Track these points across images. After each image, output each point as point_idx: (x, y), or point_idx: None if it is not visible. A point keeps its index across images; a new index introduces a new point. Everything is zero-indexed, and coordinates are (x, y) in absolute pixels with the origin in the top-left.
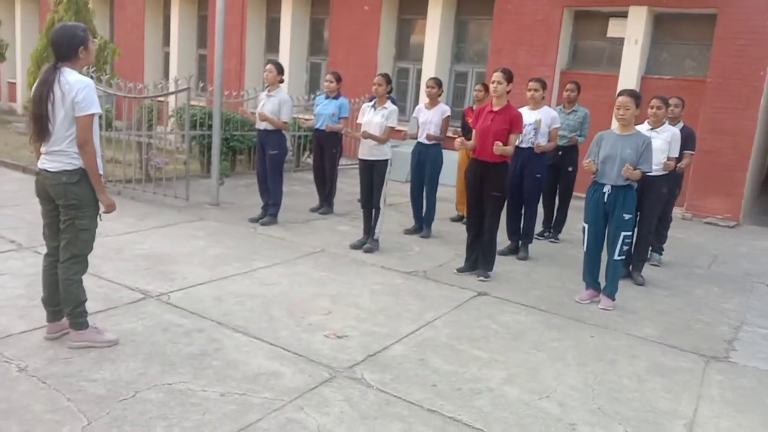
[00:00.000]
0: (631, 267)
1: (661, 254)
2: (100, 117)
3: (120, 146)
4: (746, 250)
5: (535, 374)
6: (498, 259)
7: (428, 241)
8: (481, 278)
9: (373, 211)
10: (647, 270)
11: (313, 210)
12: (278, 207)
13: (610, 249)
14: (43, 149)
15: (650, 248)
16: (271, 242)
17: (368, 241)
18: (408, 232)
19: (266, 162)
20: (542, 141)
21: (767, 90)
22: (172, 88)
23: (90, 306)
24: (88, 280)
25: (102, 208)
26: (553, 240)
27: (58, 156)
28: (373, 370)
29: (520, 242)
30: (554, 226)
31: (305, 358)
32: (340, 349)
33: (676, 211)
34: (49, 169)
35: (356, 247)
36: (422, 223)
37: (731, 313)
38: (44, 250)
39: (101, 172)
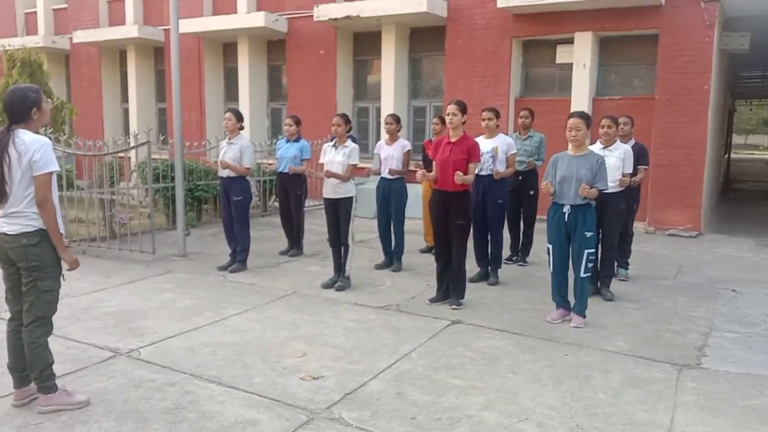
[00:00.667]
0: (599, 284)
1: (627, 269)
2: (60, 177)
3: (83, 205)
4: (709, 258)
5: (512, 397)
6: (469, 286)
7: (399, 274)
8: (454, 307)
9: (342, 248)
10: (615, 285)
11: (282, 253)
12: (246, 253)
13: (575, 267)
14: (0, 212)
15: (616, 264)
16: (241, 289)
17: (339, 279)
18: (379, 267)
19: (231, 209)
20: (501, 168)
21: (713, 102)
22: (132, 143)
23: (58, 368)
24: (55, 342)
25: (66, 267)
26: (521, 263)
27: (17, 218)
28: (351, 409)
29: (489, 268)
30: (521, 250)
31: (281, 402)
32: (316, 391)
33: (639, 226)
34: (8, 232)
35: (328, 286)
36: (392, 257)
37: (700, 320)
38: (7, 315)
39: (62, 230)
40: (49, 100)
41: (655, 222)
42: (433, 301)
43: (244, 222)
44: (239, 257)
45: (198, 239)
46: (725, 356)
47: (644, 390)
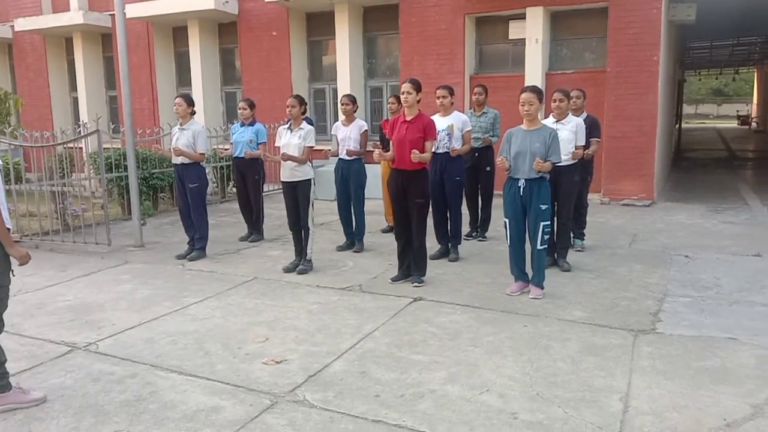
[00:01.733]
0: (555, 255)
1: (583, 239)
2: (8, 170)
3: (33, 199)
4: (662, 226)
5: (474, 370)
6: (430, 263)
7: (361, 255)
8: (416, 284)
9: (303, 231)
10: (572, 256)
11: (242, 239)
12: (205, 240)
13: (532, 240)
14: None
15: (572, 235)
16: (201, 277)
17: (301, 263)
18: (341, 248)
19: (187, 196)
20: (457, 145)
21: (663, 73)
22: (82, 133)
23: (13, 366)
24: (8, 340)
25: (15, 262)
26: (481, 239)
27: None
28: (315, 390)
29: (449, 244)
30: (480, 225)
31: (245, 388)
32: (279, 374)
33: (594, 197)
34: None
35: (289, 270)
36: (354, 238)
37: (654, 286)
38: None
39: (8, 225)
40: None
41: (609, 193)
42: (395, 279)
43: (201, 209)
44: (198, 245)
45: (155, 228)
46: (679, 320)
47: (602, 357)
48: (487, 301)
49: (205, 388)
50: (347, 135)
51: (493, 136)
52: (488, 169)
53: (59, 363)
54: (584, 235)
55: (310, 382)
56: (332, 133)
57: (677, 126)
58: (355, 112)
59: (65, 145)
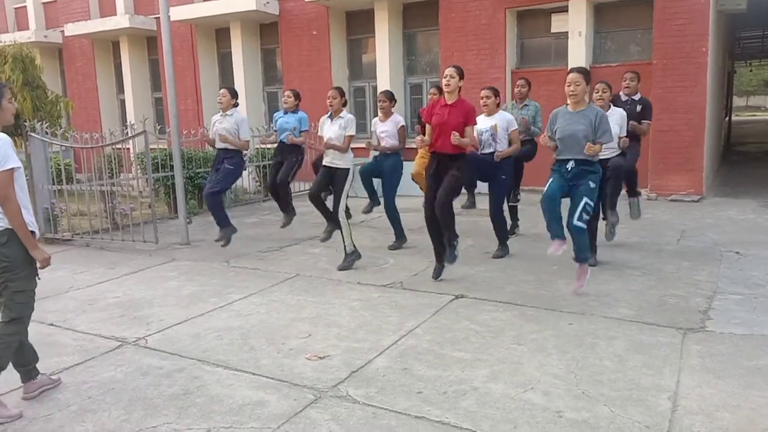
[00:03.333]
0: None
1: (636, 200)
2: (60, 171)
3: (83, 198)
4: (712, 221)
5: (518, 368)
6: (471, 259)
7: (402, 252)
8: (449, 260)
9: (334, 224)
10: (617, 252)
11: (283, 225)
12: (220, 220)
13: (570, 214)
14: None
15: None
16: (245, 273)
17: (344, 259)
18: (366, 211)
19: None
20: (501, 147)
21: (712, 65)
22: (129, 134)
23: (66, 360)
24: (61, 335)
25: (38, 264)
26: (513, 203)
27: None
28: (358, 386)
29: (499, 244)
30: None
31: (288, 383)
32: (323, 370)
33: (642, 192)
34: None
35: (325, 239)
36: (376, 200)
37: (703, 284)
38: None
39: (33, 229)
40: (13, 99)
41: (656, 188)
42: (437, 276)
43: (225, 187)
44: (223, 224)
45: (200, 226)
46: (730, 318)
47: (649, 355)
48: (530, 299)
49: (251, 382)
50: (384, 130)
51: (534, 129)
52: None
53: (110, 357)
54: (640, 193)
55: (352, 378)
56: (372, 129)
57: (727, 119)
58: (392, 108)
59: (113, 146)
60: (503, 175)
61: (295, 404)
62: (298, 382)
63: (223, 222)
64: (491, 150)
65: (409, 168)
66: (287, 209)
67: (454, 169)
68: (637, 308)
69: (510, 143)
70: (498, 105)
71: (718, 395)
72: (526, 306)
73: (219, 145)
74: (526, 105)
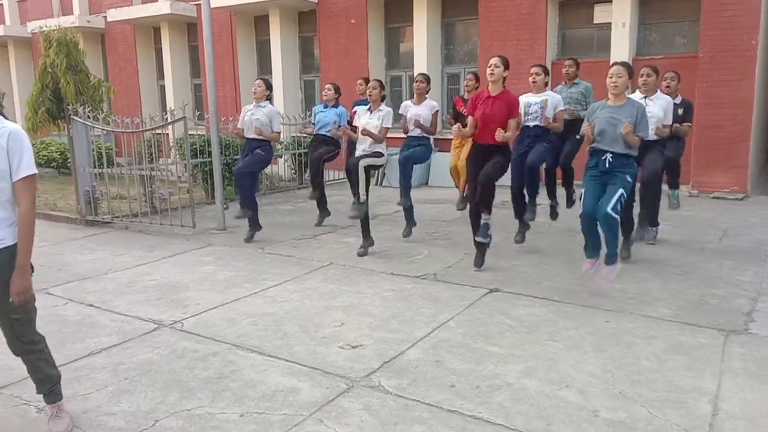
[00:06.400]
0: (637, 223)
1: (677, 191)
2: (101, 155)
3: (123, 182)
4: (757, 220)
5: (552, 365)
6: (506, 253)
7: (436, 243)
8: (480, 238)
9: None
10: (657, 250)
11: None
12: (248, 211)
13: (603, 202)
14: None
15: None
16: (280, 260)
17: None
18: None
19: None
20: (549, 116)
21: (761, 59)
22: (168, 119)
23: (104, 341)
24: (101, 316)
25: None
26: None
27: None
28: (390, 377)
29: (525, 214)
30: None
31: (321, 371)
32: (355, 359)
33: (682, 189)
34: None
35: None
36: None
37: (747, 284)
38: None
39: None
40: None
41: (698, 185)
42: (478, 265)
43: (255, 175)
44: (250, 220)
45: (237, 213)
46: None
47: (689, 356)
48: (566, 295)
49: (284, 369)
50: (417, 113)
51: (584, 110)
52: (578, 137)
53: (147, 339)
54: (678, 185)
55: (384, 368)
56: (401, 111)
57: None
58: (427, 92)
59: (153, 131)
60: (546, 143)
61: (328, 392)
62: (331, 370)
63: (247, 202)
64: (538, 123)
65: (438, 159)
66: (323, 207)
67: (498, 156)
68: (677, 308)
69: (555, 121)
70: (546, 84)
71: (762, 400)
72: (562, 302)
73: (249, 134)
74: (575, 83)
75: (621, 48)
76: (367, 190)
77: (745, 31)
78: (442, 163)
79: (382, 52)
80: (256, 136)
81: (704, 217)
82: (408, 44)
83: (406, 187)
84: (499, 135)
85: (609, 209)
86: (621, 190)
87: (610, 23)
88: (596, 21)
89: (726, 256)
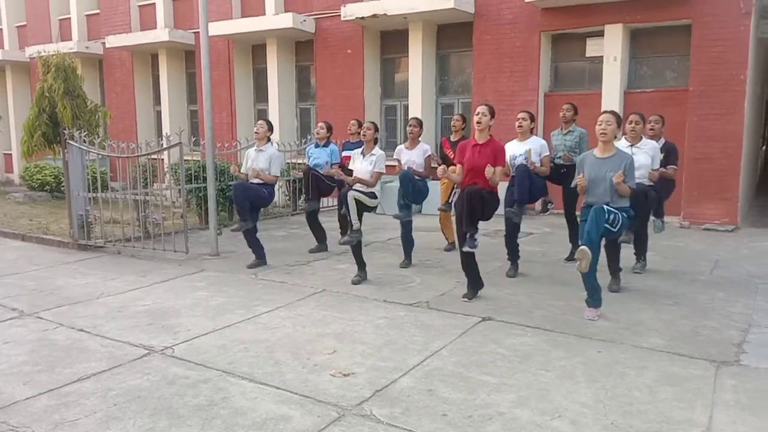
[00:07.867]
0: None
1: (660, 219)
2: (95, 179)
3: (117, 206)
4: (747, 252)
5: (545, 395)
6: (499, 281)
7: (429, 271)
8: (469, 247)
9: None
10: (648, 279)
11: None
12: (254, 249)
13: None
14: None
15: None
16: (273, 287)
17: (357, 273)
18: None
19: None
20: (536, 162)
21: (750, 93)
22: (164, 145)
23: (94, 366)
24: (91, 340)
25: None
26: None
27: None
28: (382, 405)
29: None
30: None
31: (312, 399)
32: (347, 387)
33: (674, 220)
34: None
35: (356, 283)
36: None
37: (738, 316)
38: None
39: None
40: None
41: (689, 216)
42: (467, 297)
43: (257, 214)
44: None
45: (230, 238)
46: (765, 353)
47: (681, 387)
48: (559, 324)
49: (275, 396)
50: (411, 159)
51: (577, 156)
52: (573, 186)
53: (137, 365)
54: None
55: (376, 397)
56: (395, 156)
57: (764, 148)
58: (419, 136)
59: (149, 156)
60: (538, 192)
61: (319, 421)
62: (322, 398)
63: (259, 253)
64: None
65: (432, 186)
66: (321, 239)
67: (486, 203)
68: (669, 338)
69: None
70: (532, 130)
71: None
72: (554, 331)
73: (253, 181)
74: (570, 131)
75: (613, 81)
76: (360, 218)
77: (734, 65)
78: (434, 190)
79: (377, 81)
80: (258, 182)
81: (695, 248)
82: (403, 74)
83: (404, 195)
84: (489, 171)
85: (605, 214)
86: (622, 215)
87: (602, 57)
88: (588, 54)
89: (717, 287)
